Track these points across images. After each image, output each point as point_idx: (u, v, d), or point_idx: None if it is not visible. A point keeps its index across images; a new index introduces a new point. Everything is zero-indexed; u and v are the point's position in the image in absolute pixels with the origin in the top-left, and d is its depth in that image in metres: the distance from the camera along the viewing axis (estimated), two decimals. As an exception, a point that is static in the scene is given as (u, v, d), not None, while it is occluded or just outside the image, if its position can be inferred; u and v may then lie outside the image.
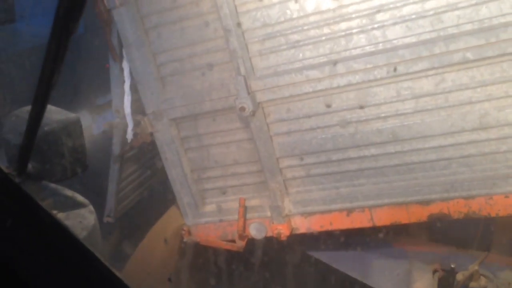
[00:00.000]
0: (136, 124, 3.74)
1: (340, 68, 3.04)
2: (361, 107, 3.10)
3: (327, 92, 3.14)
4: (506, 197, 2.92)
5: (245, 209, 3.57)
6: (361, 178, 3.26)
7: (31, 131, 1.28)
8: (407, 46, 2.87)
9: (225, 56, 3.30)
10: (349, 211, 3.33)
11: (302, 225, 3.51)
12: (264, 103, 3.30)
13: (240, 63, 3.21)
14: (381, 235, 3.53)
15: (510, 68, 2.75)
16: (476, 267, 3.16)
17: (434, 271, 3.36)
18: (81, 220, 2.06)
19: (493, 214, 2.98)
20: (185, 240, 3.89)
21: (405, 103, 3.01)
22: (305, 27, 3.07)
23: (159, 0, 3.34)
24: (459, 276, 3.16)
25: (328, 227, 3.44)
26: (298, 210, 3.48)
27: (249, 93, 3.22)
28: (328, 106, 3.17)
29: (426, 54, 2.84)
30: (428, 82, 2.92)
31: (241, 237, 3.63)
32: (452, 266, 3.14)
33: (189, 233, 3.90)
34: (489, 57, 2.73)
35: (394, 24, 2.89)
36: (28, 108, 1.63)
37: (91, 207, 2.24)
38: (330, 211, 3.39)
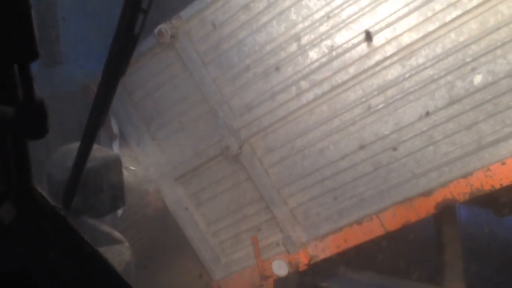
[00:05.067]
0: (145, 194, 4.06)
1: (304, 84, 3.26)
2: (335, 116, 3.24)
3: (301, 112, 3.33)
4: (503, 164, 2.84)
5: (259, 248, 3.65)
6: (359, 187, 3.30)
7: (78, 166, 1.31)
8: (355, 45, 3.06)
9: (205, 107, 3.63)
10: (358, 222, 3.33)
11: (319, 250, 3.52)
12: (250, 139, 3.53)
13: (217, 107, 3.53)
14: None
15: (458, 36, 2.83)
16: None
17: None
18: (118, 255, 2.16)
19: (497, 186, 2.88)
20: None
21: (375, 99, 3.12)
22: (264, 57, 3.37)
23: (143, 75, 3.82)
24: None
25: (344, 246, 3.42)
26: (311, 236, 3.51)
27: (231, 132, 3.48)
28: (306, 123, 3.34)
29: (375, 47, 3.01)
30: (388, 72, 3.04)
31: (264, 278, 3.68)
32: None
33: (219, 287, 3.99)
34: (433, 31, 2.84)
35: (339, 30, 3.11)
36: (72, 145, 1.76)
37: (127, 244, 2.33)
38: (341, 229, 3.40)
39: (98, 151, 1.86)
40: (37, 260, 1.10)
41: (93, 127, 1.16)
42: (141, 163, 3.98)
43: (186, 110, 3.72)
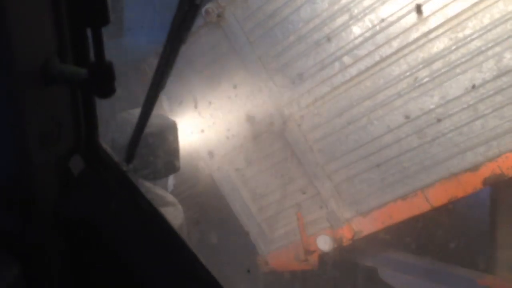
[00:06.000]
0: (195, 169, 4.24)
1: (347, 60, 3.30)
2: (380, 91, 3.27)
3: (344, 87, 3.38)
4: (555, 136, 2.80)
5: (304, 223, 3.76)
6: (403, 162, 3.33)
7: (139, 128, 1.39)
8: (400, 18, 3.08)
9: (250, 85, 3.75)
10: (403, 198, 3.37)
11: (363, 226, 3.59)
12: (294, 115, 3.62)
13: (263, 85, 3.63)
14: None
15: (507, 5, 2.79)
16: None
17: None
18: (171, 217, 2.21)
19: (549, 159, 2.85)
20: (263, 270, 4.13)
21: (420, 73, 3.13)
22: (308, 34, 3.43)
23: None
24: None
25: (389, 222, 3.47)
26: (355, 212, 3.58)
27: (276, 108, 3.59)
28: (350, 99, 3.39)
29: (421, 19, 3.01)
30: (434, 45, 3.04)
31: (309, 252, 3.79)
32: None
33: (266, 262, 4.14)
34: (480, 1, 2.82)
35: (383, 3, 3.13)
36: (132, 110, 1.93)
37: (180, 207, 2.41)
38: (385, 204, 3.45)
39: (157, 118, 1.94)
40: (101, 210, 1.23)
41: (155, 89, 1.24)
42: (189, 141, 4.15)
43: (233, 88, 3.84)
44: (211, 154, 4.07)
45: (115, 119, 2.04)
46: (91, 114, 1.11)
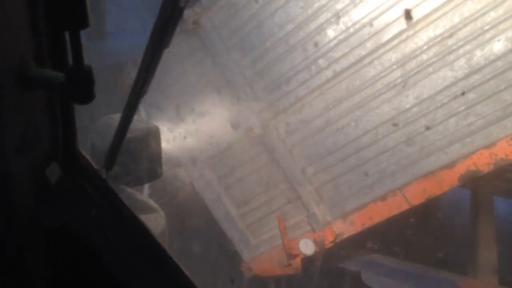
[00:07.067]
0: (175, 177, 4.24)
1: (323, 62, 3.36)
2: (355, 93, 3.33)
3: (320, 90, 3.44)
4: (527, 132, 2.89)
5: (286, 227, 3.79)
6: (381, 163, 3.39)
7: (120, 134, 1.36)
8: (372, 20, 3.15)
9: (228, 91, 3.78)
10: (382, 199, 3.42)
11: (344, 228, 3.63)
12: (272, 120, 3.66)
13: (240, 90, 3.67)
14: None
15: (476, 4, 2.89)
16: None
17: None
18: (153, 223, 2.20)
19: (522, 154, 2.94)
20: (247, 276, 4.14)
21: (394, 73, 3.21)
22: (283, 38, 3.48)
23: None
24: None
25: (370, 222, 3.52)
26: (336, 214, 3.63)
27: (253, 114, 3.62)
28: (327, 101, 3.44)
29: (392, 20, 3.09)
30: (406, 45, 3.12)
31: (291, 256, 3.82)
32: None
33: (250, 269, 4.15)
34: (449, 0, 2.91)
35: (355, 5, 3.20)
36: (114, 115, 1.90)
37: (162, 213, 2.39)
38: (365, 205, 3.50)
39: (138, 122, 1.94)
40: (80, 218, 1.23)
41: (136, 94, 1.22)
42: (169, 148, 4.14)
43: (211, 95, 3.86)
44: (193, 160, 4.07)
45: (96, 124, 2.02)
46: (69, 120, 1.10)
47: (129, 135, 1.44)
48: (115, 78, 4.17)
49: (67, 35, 0.88)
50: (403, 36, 3.09)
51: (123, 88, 4.06)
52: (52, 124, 1.08)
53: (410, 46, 3.08)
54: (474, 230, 3.71)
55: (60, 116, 1.08)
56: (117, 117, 1.45)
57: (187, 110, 4.01)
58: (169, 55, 3.74)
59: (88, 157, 1.24)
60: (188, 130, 4.00)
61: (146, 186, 3.94)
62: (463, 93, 3.02)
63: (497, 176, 3.36)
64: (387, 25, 3.12)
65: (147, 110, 4.06)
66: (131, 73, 4.14)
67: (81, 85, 0.92)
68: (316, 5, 3.28)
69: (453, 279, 3.60)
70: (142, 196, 2.40)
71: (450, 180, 3.18)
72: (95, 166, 1.26)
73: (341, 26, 3.24)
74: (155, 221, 2.20)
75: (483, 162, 3.05)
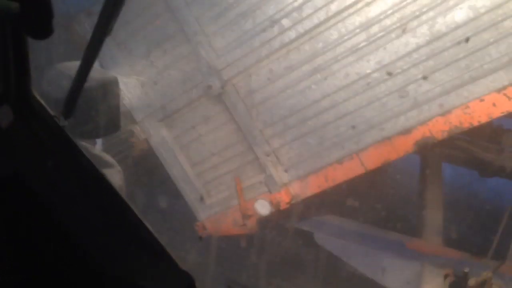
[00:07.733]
0: (130, 134, 4.14)
1: (286, 22, 3.31)
2: (318, 55, 3.32)
3: (283, 51, 3.40)
4: (481, 100, 2.97)
5: (242, 188, 3.80)
6: (340, 126, 3.42)
7: (81, 77, 1.26)
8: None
9: (188, 47, 3.67)
10: (339, 162, 3.47)
11: (300, 190, 3.67)
12: (232, 79, 3.60)
13: (200, 47, 3.57)
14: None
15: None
16: (490, 274, 3.10)
17: (446, 276, 3.33)
18: (109, 178, 2.22)
19: (475, 123, 3.03)
20: (200, 235, 4.15)
21: (357, 37, 3.20)
22: (247, -5, 3.39)
23: None
24: (472, 282, 3.10)
25: (325, 185, 3.57)
26: (292, 176, 3.66)
27: (213, 72, 3.55)
28: (289, 63, 3.41)
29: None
30: (370, 9, 3.11)
31: (246, 217, 3.85)
32: (466, 270, 3.11)
33: (204, 227, 4.15)
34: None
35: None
36: (68, 63, 1.75)
37: (118, 167, 2.34)
38: (322, 168, 3.54)
39: (96, 72, 1.83)
40: (33, 167, 1.16)
41: (99, 34, 1.12)
42: (125, 104, 4.02)
43: (170, 51, 3.75)
44: (149, 117, 3.98)
45: (48, 71, 1.90)
46: (23, 57, 1.01)
47: (87, 84, 1.33)
48: (65, 28, 3.97)
49: None
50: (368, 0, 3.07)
51: (73, 38, 3.88)
52: (3, 60, 0.99)
53: (374, 10, 3.08)
54: (422, 194, 3.84)
55: (13, 52, 0.99)
56: (71, 65, 1.38)
57: (145, 65, 3.88)
58: (125, 8, 3.63)
59: (43, 101, 1.16)
60: (144, 85, 3.89)
61: (99, 142, 3.82)
62: (423, 60, 3.06)
63: (446, 143, 3.48)
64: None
65: (101, 62, 3.90)
66: (84, 23, 3.95)
67: (38, 17, 0.83)
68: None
69: (401, 239, 3.74)
70: (97, 151, 2.32)
71: (406, 146, 3.25)
72: (51, 112, 1.18)
73: (307, -15, 3.18)
74: (112, 177, 2.13)
75: (438, 129, 3.14)
